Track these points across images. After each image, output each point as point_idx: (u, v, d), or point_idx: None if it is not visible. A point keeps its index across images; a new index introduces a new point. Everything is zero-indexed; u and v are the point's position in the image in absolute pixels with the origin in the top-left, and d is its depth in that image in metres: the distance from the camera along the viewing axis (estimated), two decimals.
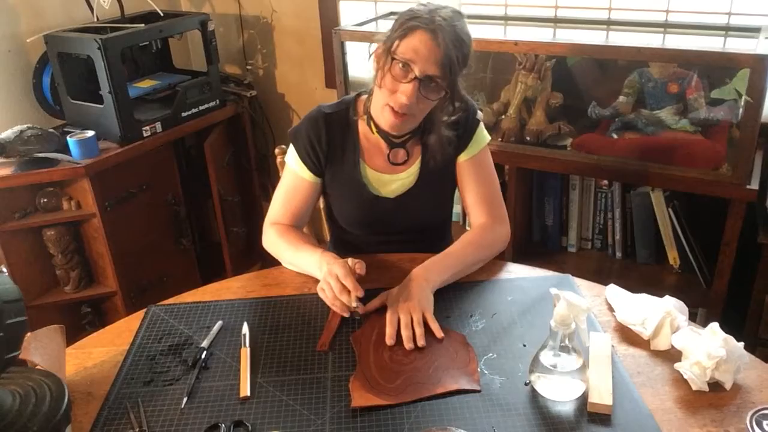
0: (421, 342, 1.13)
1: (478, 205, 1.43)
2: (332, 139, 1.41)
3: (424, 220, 1.49)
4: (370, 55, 1.34)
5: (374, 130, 1.39)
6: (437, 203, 1.50)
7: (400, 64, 1.25)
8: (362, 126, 1.42)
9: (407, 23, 1.25)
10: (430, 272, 1.27)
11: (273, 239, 1.42)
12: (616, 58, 1.85)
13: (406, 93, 1.25)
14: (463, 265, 1.33)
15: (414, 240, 1.46)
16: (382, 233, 1.48)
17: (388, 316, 1.18)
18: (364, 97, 1.42)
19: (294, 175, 1.44)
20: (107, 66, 2.04)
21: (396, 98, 1.27)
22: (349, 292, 1.18)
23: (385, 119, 1.32)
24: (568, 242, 2.08)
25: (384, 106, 1.30)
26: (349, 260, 1.23)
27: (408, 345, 1.13)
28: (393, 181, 1.44)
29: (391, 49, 1.26)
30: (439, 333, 1.15)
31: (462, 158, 1.44)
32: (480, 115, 1.45)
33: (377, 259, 1.40)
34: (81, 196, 2.11)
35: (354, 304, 1.18)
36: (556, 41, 1.86)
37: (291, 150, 1.45)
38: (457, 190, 1.51)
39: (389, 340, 1.14)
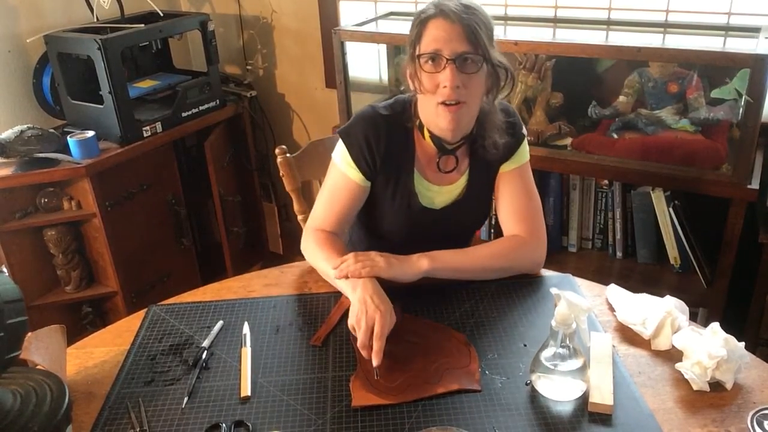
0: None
1: (514, 216, 1.38)
2: (391, 145, 1.34)
3: (461, 231, 1.48)
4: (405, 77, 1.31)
5: (426, 135, 1.34)
6: (479, 215, 1.48)
7: (430, 60, 1.23)
8: (416, 132, 1.37)
9: (418, 21, 1.25)
10: (430, 258, 1.27)
11: (311, 246, 1.36)
12: (616, 58, 1.85)
13: (448, 79, 1.22)
14: (471, 267, 1.31)
15: (440, 247, 1.36)
16: (414, 242, 1.37)
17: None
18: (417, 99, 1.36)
19: (342, 175, 1.36)
20: (107, 66, 2.04)
21: (442, 92, 1.24)
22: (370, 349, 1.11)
23: (442, 118, 1.26)
24: (568, 242, 2.08)
25: (436, 107, 1.25)
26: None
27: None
28: (441, 192, 1.40)
29: (415, 53, 1.25)
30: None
31: (504, 168, 1.39)
32: (525, 131, 1.42)
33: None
34: (81, 196, 2.12)
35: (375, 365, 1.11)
36: (556, 41, 1.86)
37: (341, 149, 1.36)
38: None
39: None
